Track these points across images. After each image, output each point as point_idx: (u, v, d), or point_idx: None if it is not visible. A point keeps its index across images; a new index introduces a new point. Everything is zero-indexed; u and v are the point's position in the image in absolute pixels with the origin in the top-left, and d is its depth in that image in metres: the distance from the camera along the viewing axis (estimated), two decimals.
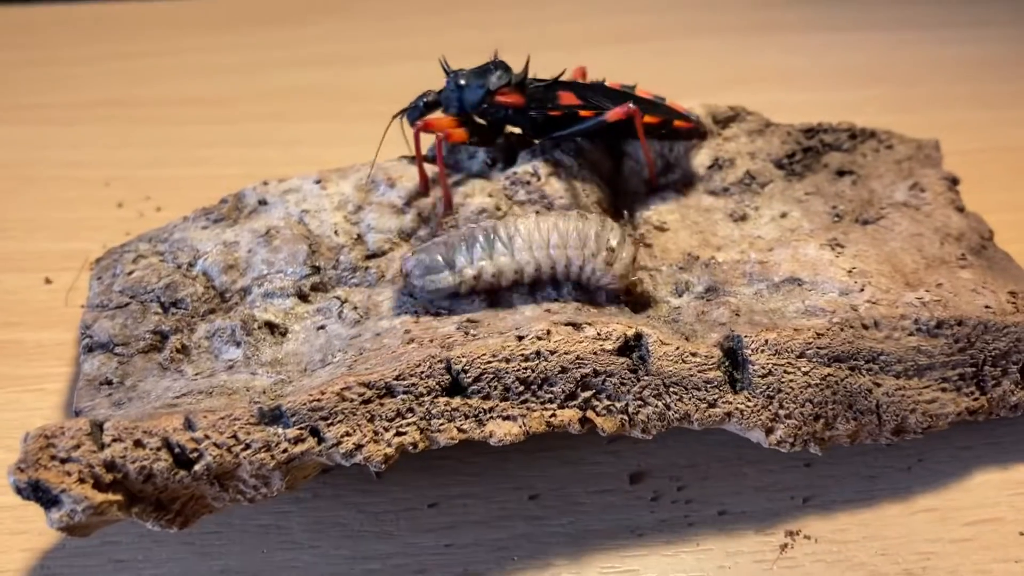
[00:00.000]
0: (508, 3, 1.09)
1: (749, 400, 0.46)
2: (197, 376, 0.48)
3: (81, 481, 0.40)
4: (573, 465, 0.52)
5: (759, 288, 0.51)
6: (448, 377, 0.44)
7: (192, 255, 0.54)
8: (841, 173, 0.61)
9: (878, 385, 0.48)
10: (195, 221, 0.56)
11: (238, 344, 0.49)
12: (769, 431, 0.46)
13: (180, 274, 0.53)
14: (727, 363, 0.46)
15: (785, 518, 0.49)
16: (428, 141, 0.57)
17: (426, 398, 0.44)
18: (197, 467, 0.42)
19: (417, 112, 0.55)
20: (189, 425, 0.42)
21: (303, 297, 0.52)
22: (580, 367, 0.45)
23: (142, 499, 0.42)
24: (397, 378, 0.43)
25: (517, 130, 0.58)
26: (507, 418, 0.44)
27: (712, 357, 0.46)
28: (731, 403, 0.46)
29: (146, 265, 0.53)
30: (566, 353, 0.45)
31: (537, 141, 0.58)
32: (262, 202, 0.57)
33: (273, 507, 0.49)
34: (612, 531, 0.49)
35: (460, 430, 0.44)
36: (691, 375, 0.46)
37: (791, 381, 0.46)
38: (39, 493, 0.40)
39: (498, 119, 0.56)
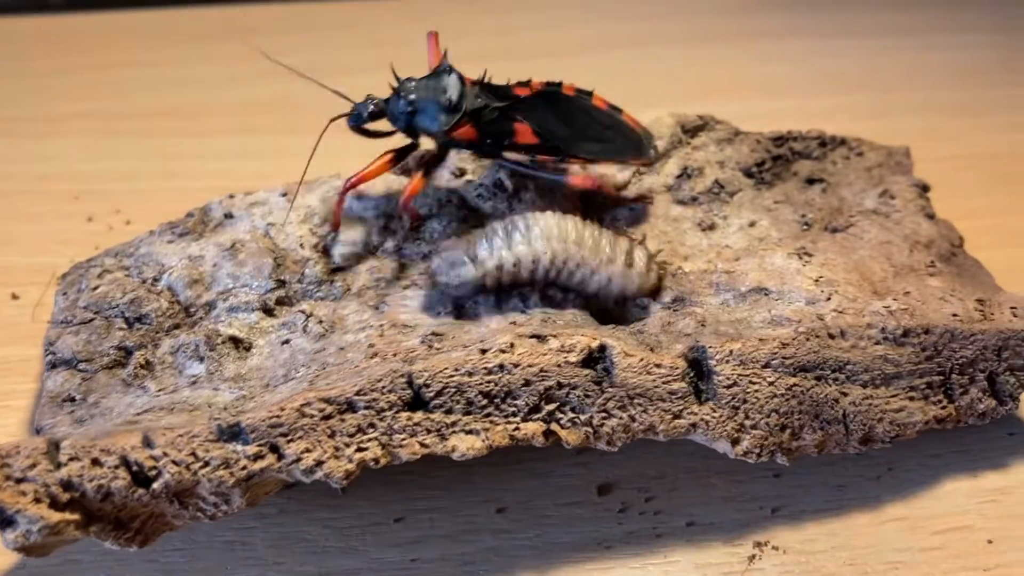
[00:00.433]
0: (486, 11, 1.08)
1: (714, 411, 0.46)
2: (160, 392, 0.48)
3: (37, 501, 0.40)
4: (541, 477, 0.51)
5: (726, 298, 0.51)
6: (410, 392, 0.44)
7: (158, 270, 0.54)
8: (811, 181, 0.61)
9: (845, 394, 0.48)
10: (161, 235, 0.56)
11: (202, 359, 0.49)
12: (735, 442, 0.46)
13: (145, 289, 0.52)
14: (692, 374, 0.46)
15: (753, 529, 0.49)
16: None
17: (388, 413, 0.43)
18: (156, 485, 0.41)
19: (360, 119, 0.52)
20: (147, 443, 0.41)
21: (268, 311, 0.51)
22: (544, 380, 0.45)
23: (100, 518, 0.41)
24: (358, 393, 0.43)
25: None
26: (470, 432, 0.44)
27: (677, 368, 0.46)
28: (696, 414, 0.46)
29: (111, 280, 0.53)
30: (530, 366, 0.45)
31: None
32: (228, 215, 0.56)
33: (238, 523, 0.49)
34: (580, 544, 0.48)
35: (422, 445, 0.43)
36: (655, 386, 0.45)
37: (756, 391, 0.46)
38: None
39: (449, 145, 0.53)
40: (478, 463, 0.51)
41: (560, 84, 0.53)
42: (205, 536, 0.49)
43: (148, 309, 0.51)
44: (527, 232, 0.48)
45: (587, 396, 0.45)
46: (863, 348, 0.48)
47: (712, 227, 0.56)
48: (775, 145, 0.62)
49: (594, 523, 0.49)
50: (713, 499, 0.50)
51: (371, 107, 0.51)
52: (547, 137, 0.52)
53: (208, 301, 0.52)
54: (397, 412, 0.43)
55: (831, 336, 0.48)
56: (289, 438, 0.42)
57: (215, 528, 0.49)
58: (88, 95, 0.90)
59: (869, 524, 0.49)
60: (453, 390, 0.44)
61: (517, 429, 0.44)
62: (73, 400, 0.48)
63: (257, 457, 0.42)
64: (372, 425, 0.43)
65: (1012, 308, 0.51)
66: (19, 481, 0.40)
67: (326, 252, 0.54)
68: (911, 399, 0.49)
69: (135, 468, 0.41)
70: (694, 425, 0.46)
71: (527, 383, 0.45)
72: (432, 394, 0.44)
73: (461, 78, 0.51)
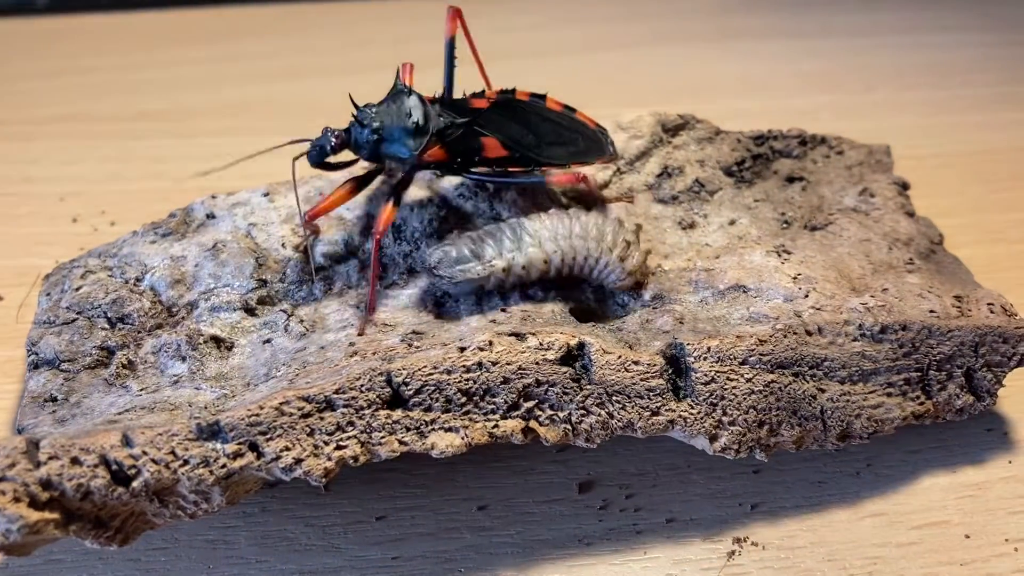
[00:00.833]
0: (469, 14, 1.08)
1: (692, 408, 0.46)
2: (142, 392, 0.48)
3: (16, 500, 0.40)
4: (522, 475, 0.52)
5: (704, 296, 0.51)
6: (389, 390, 0.44)
7: (140, 270, 0.54)
8: (791, 180, 0.61)
9: (822, 391, 0.48)
10: (144, 236, 0.56)
11: (183, 359, 0.49)
12: (713, 438, 0.46)
13: (127, 289, 0.52)
14: (670, 371, 0.46)
15: (733, 525, 0.49)
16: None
17: (366, 411, 0.44)
18: (135, 484, 0.41)
19: (323, 154, 0.49)
20: (127, 441, 0.42)
21: (250, 311, 0.52)
22: (522, 377, 0.45)
23: (80, 517, 0.41)
24: (337, 391, 0.43)
25: None
26: (449, 430, 0.44)
27: (655, 365, 0.46)
28: (674, 411, 0.46)
29: (94, 281, 0.53)
30: (508, 364, 0.45)
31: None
32: (210, 216, 0.57)
33: (220, 522, 0.49)
34: (560, 541, 0.49)
35: (401, 443, 0.44)
36: (634, 383, 0.46)
37: (734, 388, 0.46)
38: None
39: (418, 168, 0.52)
40: (459, 461, 0.51)
41: (514, 90, 0.53)
42: (187, 535, 0.49)
43: (130, 309, 0.51)
44: (536, 235, 0.49)
45: (565, 393, 0.45)
46: (841, 345, 0.48)
47: (692, 225, 0.56)
48: (755, 144, 0.62)
49: (575, 520, 0.50)
50: (693, 495, 0.51)
51: (333, 141, 0.49)
52: (515, 148, 0.52)
53: (190, 301, 0.52)
54: (376, 410, 0.44)
55: (809, 333, 0.48)
56: (268, 436, 0.42)
57: (197, 527, 0.49)
58: (72, 97, 0.90)
59: (848, 520, 0.50)
60: (432, 388, 0.44)
61: (496, 426, 0.45)
62: (55, 400, 0.48)
63: (236, 455, 0.42)
64: (351, 423, 0.43)
65: (989, 304, 0.51)
66: None
67: (307, 252, 0.54)
68: (889, 395, 0.49)
69: (114, 467, 0.41)
70: (672, 422, 0.46)
71: (506, 381, 0.45)
72: (411, 392, 0.44)
73: (421, 98, 0.50)
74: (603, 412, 0.46)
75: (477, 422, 0.45)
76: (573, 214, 0.50)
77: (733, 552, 0.48)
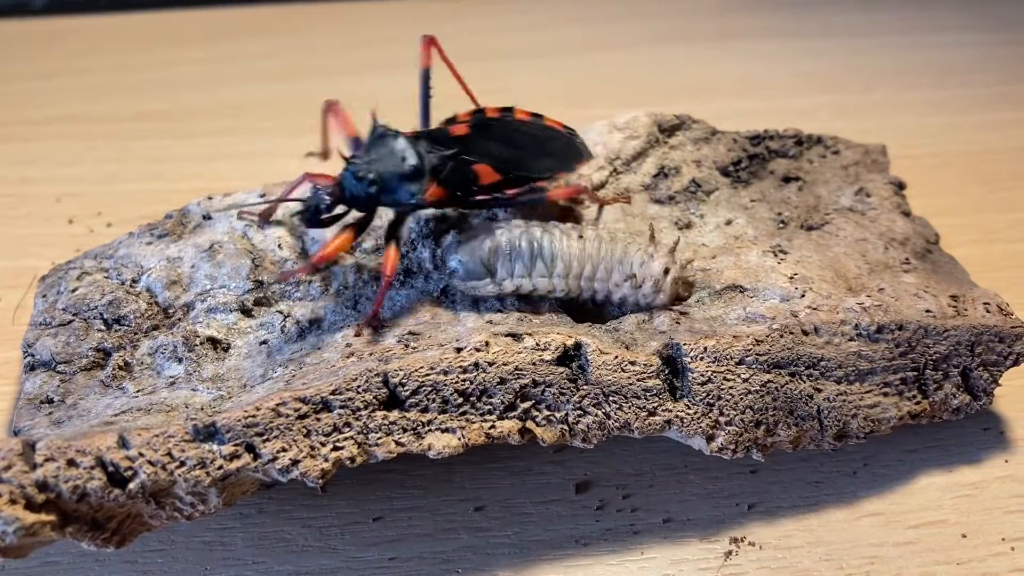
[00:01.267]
0: (468, 13, 1.08)
1: (689, 408, 0.46)
2: (138, 393, 0.48)
3: (12, 502, 0.40)
4: (519, 476, 0.52)
5: (701, 296, 0.51)
6: (385, 391, 0.44)
7: (136, 271, 0.54)
8: (787, 179, 0.61)
9: (819, 391, 0.48)
10: (140, 237, 0.56)
11: (180, 360, 0.49)
12: (710, 438, 0.46)
13: (124, 291, 0.52)
14: (667, 371, 0.47)
15: (730, 525, 0.49)
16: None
17: (363, 412, 0.44)
18: (132, 485, 0.41)
19: (319, 214, 0.47)
20: (123, 443, 0.42)
21: (246, 312, 0.52)
22: (519, 378, 0.45)
23: (77, 519, 0.41)
24: (333, 392, 0.43)
25: None
26: (446, 431, 0.44)
27: (651, 365, 0.46)
28: (671, 411, 0.46)
29: (90, 282, 0.53)
30: (504, 364, 0.45)
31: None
32: (206, 217, 0.57)
33: (216, 523, 0.49)
34: (557, 541, 0.49)
35: (398, 443, 0.44)
36: (630, 384, 0.46)
37: (731, 388, 0.46)
38: None
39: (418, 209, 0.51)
40: (456, 462, 0.51)
41: (484, 110, 0.52)
42: (184, 537, 0.49)
43: (127, 310, 0.51)
44: (551, 263, 0.49)
45: (562, 394, 0.45)
46: (837, 344, 0.48)
47: (689, 225, 0.56)
48: (752, 144, 0.62)
49: (572, 520, 0.50)
50: (690, 496, 0.51)
51: (327, 200, 0.47)
52: (507, 169, 0.50)
53: (186, 302, 0.52)
54: (373, 411, 0.44)
55: (805, 333, 0.48)
56: (265, 437, 0.42)
57: (194, 528, 0.49)
58: (69, 98, 0.90)
59: (845, 519, 0.50)
60: (429, 389, 0.44)
61: (493, 427, 0.45)
62: (51, 402, 0.48)
63: (233, 457, 0.42)
64: (348, 424, 0.43)
65: (985, 304, 0.51)
66: None
67: (304, 253, 0.54)
68: (885, 395, 0.49)
69: (111, 468, 0.41)
70: (669, 422, 0.46)
71: (502, 381, 0.45)
72: (408, 393, 0.44)
73: (408, 138, 0.48)
74: (600, 412, 0.46)
75: (474, 423, 0.45)
76: (597, 246, 0.49)
77: (730, 552, 0.48)
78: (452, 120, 0.51)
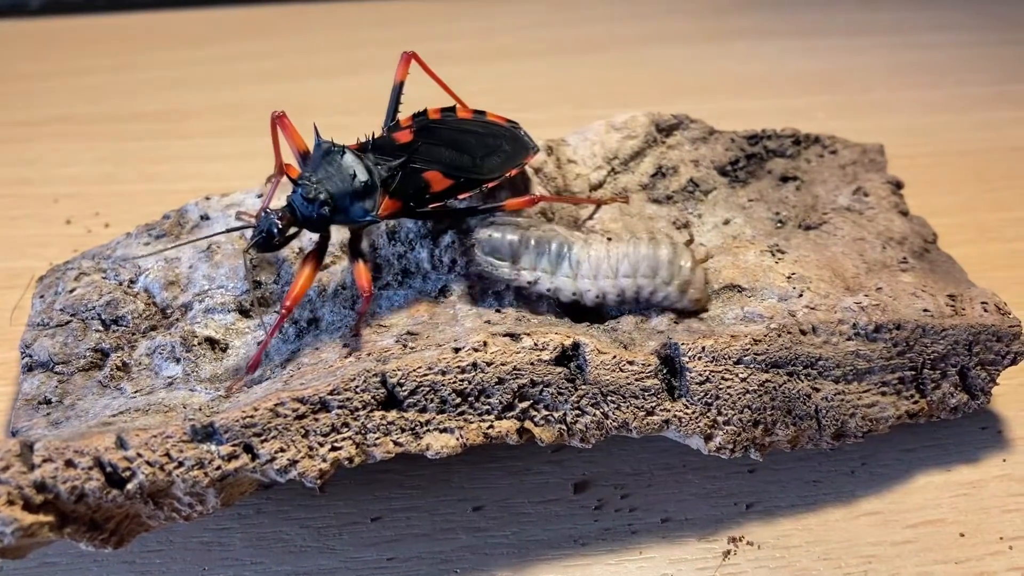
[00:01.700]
0: (462, 14, 1.08)
1: (687, 407, 0.46)
2: (136, 394, 0.48)
3: (10, 503, 0.40)
4: (517, 476, 0.52)
5: None
6: (384, 391, 0.44)
7: (134, 272, 0.54)
8: (785, 179, 0.61)
9: (817, 390, 0.48)
10: (137, 237, 0.56)
11: (178, 361, 0.49)
12: (708, 438, 0.46)
13: (122, 291, 0.52)
14: (665, 371, 0.47)
15: (728, 524, 0.49)
16: None
17: (361, 412, 0.44)
18: (130, 486, 0.41)
19: (271, 238, 0.46)
20: (121, 444, 0.41)
21: (244, 312, 0.52)
22: (517, 378, 0.45)
23: (75, 519, 0.41)
24: (332, 393, 0.43)
25: None
26: (444, 431, 0.44)
27: (649, 365, 0.46)
28: (669, 411, 0.46)
29: (88, 283, 0.53)
30: (503, 364, 0.45)
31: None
32: (204, 217, 0.57)
33: (215, 524, 0.49)
34: (555, 541, 0.49)
35: (396, 444, 0.44)
36: (628, 383, 0.46)
37: (729, 388, 0.46)
38: None
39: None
40: (455, 462, 0.51)
41: (425, 111, 0.51)
42: (182, 537, 0.49)
43: (125, 311, 0.51)
44: (576, 266, 0.48)
45: (560, 393, 0.45)
46: (835, 344, 0.48)
47: (687, 225, 0.56)
48: (749, 143, 0.62)
49: (570, 520, 0.50)
50: (688, 495, 0.51)
51: (279, 223, 0.45)
52: (457, 173, 0.50)
53: (184, 303, 0.52)
54: (371, 411, 0.44)
55: (803, 332, 0.48)
56: (263, 438, 0.42)
57: (192, 529, 0.49)
58: (67, 99, 0.90)
59: (843, 519, 0.50)
60: (427, 389, 0.44)
61: (491, 427, 0.45)
62: (49, 402, 0.48)
63: (231, 457, 0.42)
64: (346, 424, 0.43)
65: (983, 303, 0.51)
66: None
67: (301, 252, 0.54)
68: (883, 394, 0.49)
69: (109, 469, 0.41)
70: (667, 421, 0.46)
71: (500, 381, 0.45)
72: (406, 393, 0.44)
73: (355, 153, 0.47)
74: (598, 412, 0.46)
75: (472, 423, 0.45)
76: (624, 249, 0.49)
77: (729, 552, 0.48)
78: (396, 127, 0.50)
